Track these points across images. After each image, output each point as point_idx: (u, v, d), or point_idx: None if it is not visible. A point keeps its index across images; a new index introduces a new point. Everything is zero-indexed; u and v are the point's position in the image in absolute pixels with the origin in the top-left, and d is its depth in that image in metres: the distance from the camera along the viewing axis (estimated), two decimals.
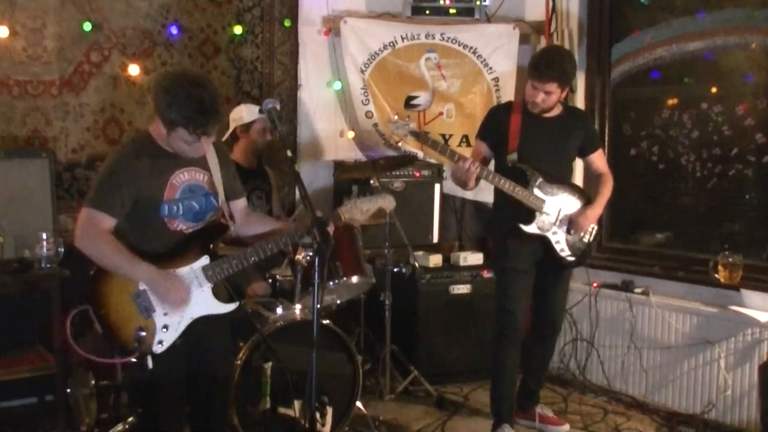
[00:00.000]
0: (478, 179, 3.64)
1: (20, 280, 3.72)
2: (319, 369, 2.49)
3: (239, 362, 3.37)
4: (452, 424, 4.09)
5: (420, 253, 4.74)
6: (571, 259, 3.81)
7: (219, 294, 2.78)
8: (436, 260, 4.73)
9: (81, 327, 2.72)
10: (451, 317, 4.63)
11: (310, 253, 3.48)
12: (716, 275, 4.07)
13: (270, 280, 4.00)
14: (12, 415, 4.03)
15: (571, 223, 3.75)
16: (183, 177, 2.74)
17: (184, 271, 2.71)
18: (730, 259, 4.02)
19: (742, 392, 3.92)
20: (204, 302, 2.74)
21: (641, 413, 4.25)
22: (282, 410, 3.38)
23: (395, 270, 4.57)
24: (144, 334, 2.61)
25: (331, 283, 3.67)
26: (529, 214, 3.70)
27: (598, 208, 3.83)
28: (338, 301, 4.00)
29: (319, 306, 2.50)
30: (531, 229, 3.71)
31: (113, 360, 2.69)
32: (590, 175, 4.18)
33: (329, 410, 3.37)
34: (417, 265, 4.60)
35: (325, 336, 3.56)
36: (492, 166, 3.83)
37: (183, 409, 2.86)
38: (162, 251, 2.70)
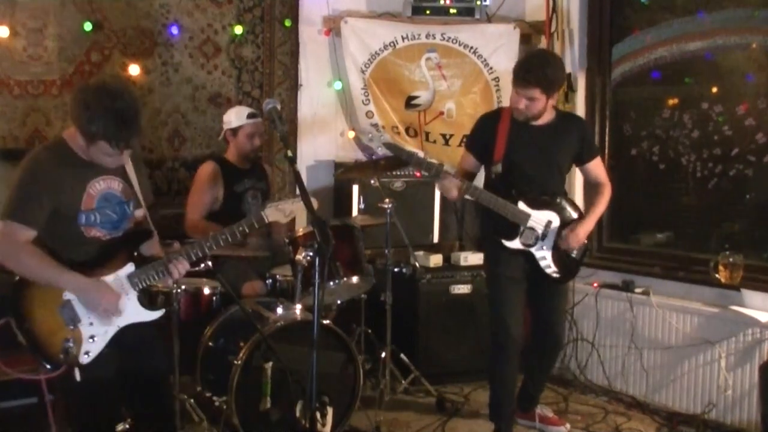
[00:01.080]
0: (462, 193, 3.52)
1: None
2: (319, 369, 2.49)
3: (239, 362, 3.37)
4: (452, 425, 4.08)
5: (420, 253, 4.74)
6: (557, 276, 3.65)
7: (144, 301, 2.76)
8: (436, 260, 4.73)
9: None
10: (452, 317, 4.62)
11: (311, 253, 3.50)
12: (717, 275, 4.07)
13: (270, 280, 4.01)
14: (12, 415, 4.03)
15: (560, 239, 3.58)
16: (99, 186, 2.71)
17: (109, 279, 2.68)
18: (731, 259, 4.02)
19: (742, 392, 3.92)
20: (130, 310, 2.71)
21: (642, 413, 4.25)
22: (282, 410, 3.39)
23: (396, 270, 4.57)
24: (71, 345, 2.55)
25: (331, 283, 3.68)
26: (514, 227, 3.55)
27: (589, 223, 3.64)
28: (338, 301, 4.01)
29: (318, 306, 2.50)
30: (514, 244, 3.56)
31: (37, 376, 2.63)
32: (588, 184, 3.95)
33: (329, 410, 3.37)
34: (417, 265, 4.60)
35: (326, 336, 3.56)
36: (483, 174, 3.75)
37: (116, 413, 2.82)
38: (84, 259, 2.66)
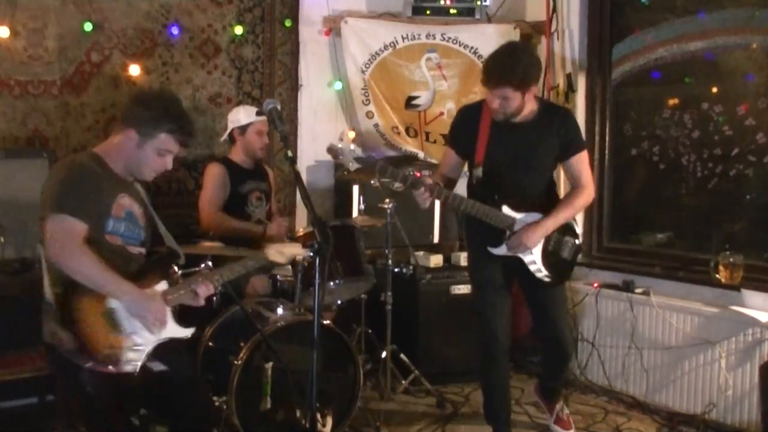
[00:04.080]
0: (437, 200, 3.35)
1: (21, 280, 3.72)
2: (319, 369, 2.49)
3: (240, 362, 3.37)
4: (452, 425, 4.08)
5: (420, 253, 4.75)
6: (548, 279, 3.49)
7: (176, 318, 2.77)
8: (436, 260, 4.73)
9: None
10: (452, 317, 4.62)
11: (311, 253, 3.50)
12: (717, 275, 4.07)
13: (271, 280, 4.01)
14: (12, 415, 4.02)
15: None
16: (125, 201, 2.74)
17: (147, 293, 2.68)
18: (731, 259, 4.02)
19: (742, 392, 3.92)
20: (170, 325, 2.72)
21: (642, 413, 4.25)
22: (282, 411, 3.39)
23: (396, 270, 4.56)
24: (115, 352, 2.55)
25: (331, 283, 3.68)
26: (499, 233, 3.40)
27: (548, 223, 3.38)
28: (339, 301, 4.01)
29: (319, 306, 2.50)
30: (500, 251, 3.42)
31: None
32: (569, 184, 3.65)
33: (330, 410, 3.37)
34: (417, 265, 4.60)
35: (326, 336, 3.56)
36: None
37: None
38: (121, 270, 2.63)
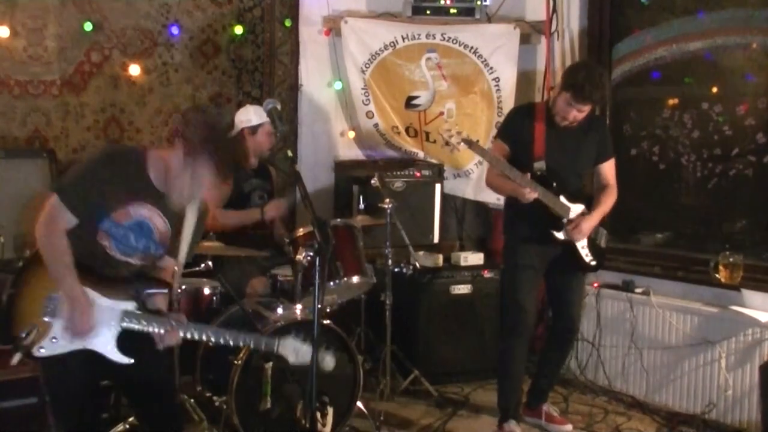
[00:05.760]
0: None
1: None
2: (319, 369, 2.49)
3: (239, 362, 3.37)
4: (453, 424, 4.08)
5: (420, 253, 4.74)
6: (594, 263, 3.83)
7: (119, 341, 2.66)
8: (436, 260, 4.73)
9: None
10: (452, 317, 4.62)
11: (311, 253, 3.50)
12: (717, 275, 4.07)
13: (271, 280, 4.01)
14: (12, 415, 4.02)
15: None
16: (142, 211, 2.64)
17: (106, 302, 2.63)
18: (731, 259, 4.02)
19: (742, 392, 3.92)
20: (104, 341, 2.63)
21: (642, 413, 4.25)
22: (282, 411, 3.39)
23: (396, 270, 4.57)
24: (34, 333, 2.54)
25: (331, 283, 3.68)
26: (557, 220, 3.69)
27: (594, 218, 3.75)
28: (339, 301, 4.01)
29: (319, 306, 2.49)
30: (561, 235, 3.71)
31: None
32: (596, 185, 3.96)
33: (330, 410, 3.37)
34: (417, 265, 4.60)
35: (326, 336, 3.56)
36: None
37: (90, 419, 2.84)
38: (89, 265, 2.62)
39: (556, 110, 3.66)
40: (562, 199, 3.69)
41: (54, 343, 2.60)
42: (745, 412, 3.90)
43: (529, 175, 3.62)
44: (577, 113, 3.60)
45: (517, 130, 3.77)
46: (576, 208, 3.73)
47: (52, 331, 2.59)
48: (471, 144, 3.62)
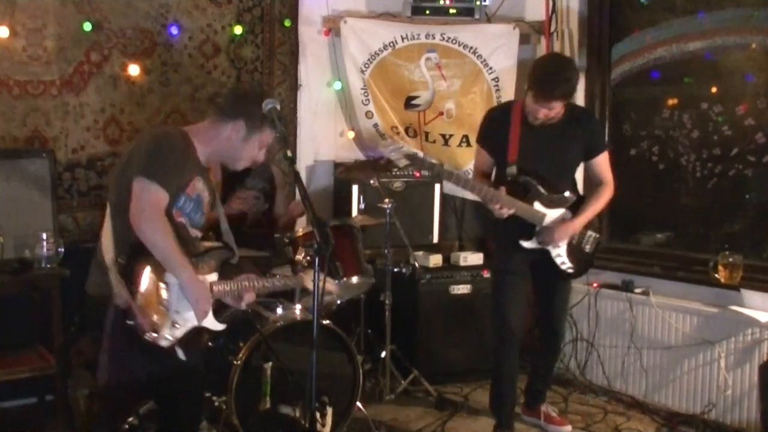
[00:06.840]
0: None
1: (20, 280, 3.72)
2: (319, 369, 2.49)
3: (239, 362, 3.37)
4: (452, 425, 4.08)
5: (420, 253, 4.75)
6: (571, 271, 3.72)
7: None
8: (436, 260, 4.73)
9: (81, 326, 2.70)
10: (451, 317, 4.62)
11: (311, 253, 3.50)
12: (716, 275, 4.07)
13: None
14: (12, 415, 4.03)
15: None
16: (199, 185, 2.77)
17: (203, 279, 2.73)
18: (730, 259, 4.02)
19: (742, 392, 3.92)
20: (210, 317, 2.75)
21: (641, 413, 4.25)
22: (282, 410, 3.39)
23: (395, 270, 4.57)
24: (159, 323, 2.59)
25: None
26: (530, 227, 3.60)
27: (579, 220, 3.61)
28: (338, 301, 4.01)
29: (318, 306, 2.50)
30: (531, 244, 3.61)
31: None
32: (591, 181, 3.90)
33: (329, 410, 3.37)
34: (417, 265, 4.60)
35: (325, 336, 3.56)
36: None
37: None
38: (183, 249, 2.66)
39: (527, 110, 3.51)
40: (537, 205, 3.56)
41: (177, 328, 2.65)
42: (744, 412, 3.91)
43: (503, 189, 3.48)
44: (548, 111, 3.43)
45: (492, 133, 3.66)
46: (552, 214, 3.59)
47: (171, 317, 2.63)
48: (414, 158, 3.54)
